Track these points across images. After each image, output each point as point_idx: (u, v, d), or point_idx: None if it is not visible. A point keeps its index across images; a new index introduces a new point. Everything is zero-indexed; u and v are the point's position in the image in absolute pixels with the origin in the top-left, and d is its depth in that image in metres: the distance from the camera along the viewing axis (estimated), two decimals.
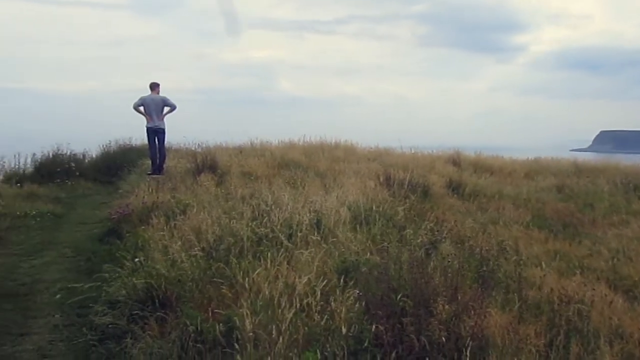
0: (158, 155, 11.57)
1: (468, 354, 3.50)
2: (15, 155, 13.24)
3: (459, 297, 4.15)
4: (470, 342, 3.61)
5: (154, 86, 11.36)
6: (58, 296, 5.53)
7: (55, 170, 13.51)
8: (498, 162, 16.02)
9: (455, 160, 15.31)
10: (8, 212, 9.29)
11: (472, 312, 3.97)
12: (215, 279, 4.68)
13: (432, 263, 4.84)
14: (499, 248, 6.38)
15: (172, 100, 11.40)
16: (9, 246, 7.62)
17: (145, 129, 11.44)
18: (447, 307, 3.95)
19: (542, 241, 7.94)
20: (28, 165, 13.49)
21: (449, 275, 4.45)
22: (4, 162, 12.88)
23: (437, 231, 6.58)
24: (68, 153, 14.58)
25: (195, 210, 7.02)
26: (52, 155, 14.17)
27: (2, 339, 4.59)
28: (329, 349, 3.60)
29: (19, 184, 11.80)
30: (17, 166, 13.19)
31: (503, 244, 6.67)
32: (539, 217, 9.73)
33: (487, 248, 5.93)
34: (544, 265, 5.87)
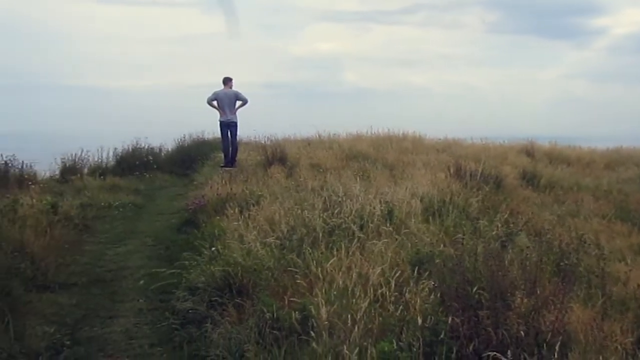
0: (230, 148, 11.88)
1: (549, 349, 3.38)
2: (98, 150, 13.99)
3: (538, 291, 4.02)
4: (551, 337, 3.49)
5: (227, 81, 11.63)
6: (142, 282, 5.81)
7: (134, 164, 14.18)
8: (575, 152, 15.37)
9: (529, 151, 14.83)
10: (93, 203, 9.85)
11: (553, 306, 3.83)
12: (289, 268, 4.76)
13: (508, 255, 4.71)
14: (578, 241, 6.11)
15: (244, 94, 11.66)
16: (96, 235, 8.09)
17: (218, 122, 11.78)
18: (525, 300, 3.83)
19: (625, 235, 7.56)
20: (110, 159, 14.23)
21: (527, 268, 4.32)
22: (89, 156, 13.61)
23: (512, 223, 6.39)
24: (146, 147, 15.25)
25: (267, 201, 7.17)
26: (132, 149, 14.86)
27: (92, 322, 4.87)
28: (404, 340, 3.58)
29: (102, 177, 12.47)
30: (100, 160, 13.93)
31: (583, 238, 6.39)
32: (622, 209, 9.27)
33: (566, 241, 5.71)
34: (628, 261, 5.58)
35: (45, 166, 12.53)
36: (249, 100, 11.63)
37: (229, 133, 11.77)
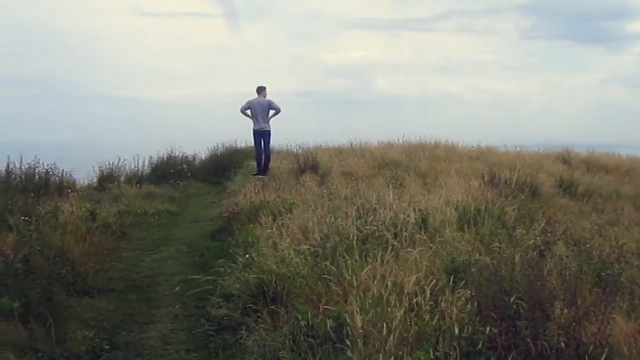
0: (263, 156, 11.97)
1: None
2: (134, 158, 14.28)
3: (579, 302, 3.91)
4: (593, 350, 3.39)
5: (260, 90, 11.74)
6: (177, 288, 5.89)
7: (169, 172, 14.44)
8: (613, 159, 14.98)
9: (565, 159, 14.54)
10: (130, 210, 10.04)
11: (594, 317, 3.73)
12: (323, 276, 4.75)
13: (547, 265, 4.61)
14: (619, 251, 5.94)
15: (277, 103, 11.75)
16: (133, 241, 8.24)
17: (252, 131, 11.89)
18: (565, 311, 3.74)
19: None
20: (146, 167, 14.51)
21: (567, 278, 4.21)
22: (125, 165, 13.90)
23: (550, 232, 6.26)
24: (180, 155, 15.52)
25: (300, 209, 7.19)
26: (167, 157, 15.14)
27: (129, 327, 4.95)
28: (440, 350, 3.54)
29: (138, 185, 12.71)
30: (136, 168, 14.23)
31: (624, 247, 6.20)
32: None
33: (606, 251, 5.56)
34: None
35: (84, 174, 12.87)
36: (282, 109, 11.72)
37: (261, 142, 11.87)
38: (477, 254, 5.21)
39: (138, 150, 14.98)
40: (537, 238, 5.88)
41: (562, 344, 3.51)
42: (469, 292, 4.16)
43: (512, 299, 3.87)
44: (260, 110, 11.64)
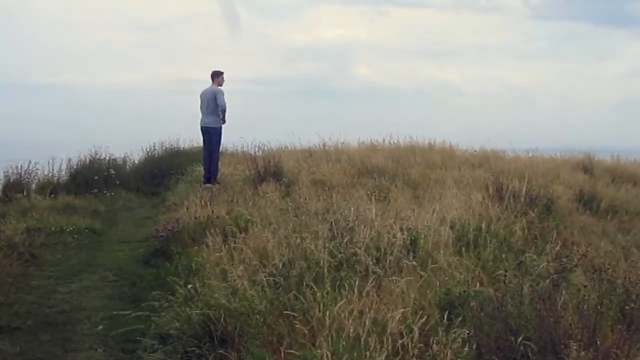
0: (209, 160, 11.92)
1: None
2: (49, 162, 14.02)
3: (598, 342, 4.02)
4: None
5: (215, 76, 11.74)
6: (100, 327, 5.80)
7: (92, 179, 14.21)
8: None
9: (586, 167, 14.85)
10: (42, 227, 9.85)
11: None
12: (286, 312, 4.75)
13: (561, 297, 4.71)
14: None
15: (224, 96, 11.61)
16: (45, 267, 8.09)
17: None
18: (583, 353, 3.83)
19: None
20: (63, 173, 14.27)
21: (585, 313, 4.31)
22: (38, 170, 13.64)
23: (566, 257, 6.40)
24: (107, 158, 15.30)
25: (258, 227, 7.18)
26: (89, 161, 14.91)
27: None
28: None
29: (53, 195, 12.49)
30: (51, 174, 13.97)
31: None
32: None
33: (632, 280, 5.70)
34: None
35: None
36: (226, 106, 11.56)
37: (207, 142, 11.85)
38: (478, 284, 5.28)
39: (53, 151, 14.74)
40: (551, 264, 5.99)
41: None
42: (467, 331, 4.21)
43: (519, 340, 3.94)
44: (206, 101, 11.62)
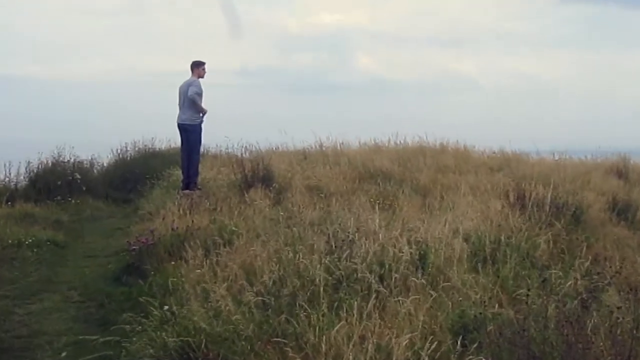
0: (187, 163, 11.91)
1: None
2: (5, 165, 14.00)
3: None
4: None
5: (194, 67, 11.75)
6: (64, 353, 5.79)
7: (55, 184, 14.22)
8: None
9: (621, 171, 14.89)
10: None
11: None
12: (276, 338, 4.76)
13: (591, 320, 4.71)
14: None
15: (196, 88, 11.58)
16: (1, 285, 8.07)
17: None
18: None
19: None
20: (21, 177, 14.26)
21: (619, 337, 4.32)
22: None
23: (597, 274, 6.41)
24: (72, 161, 15.30)
25: (245, 240, 7.20)
26: (52, 163, 14.90)
27: None
28: None
29: (9, 202, 12.50)
30: (7, 178, 13.97)
31: None
32: None
33: None
34: None
35: None
36: (196, 97, 11.51)
37: (185, 141, 11.84)
38: (496, 306, 5.29)
39: (10, 153, 14.71)
40: (580, 282, 5.99)
41: None
42: (484, 359, 4.22)
43: None
44: (182, 96, 11.64)
